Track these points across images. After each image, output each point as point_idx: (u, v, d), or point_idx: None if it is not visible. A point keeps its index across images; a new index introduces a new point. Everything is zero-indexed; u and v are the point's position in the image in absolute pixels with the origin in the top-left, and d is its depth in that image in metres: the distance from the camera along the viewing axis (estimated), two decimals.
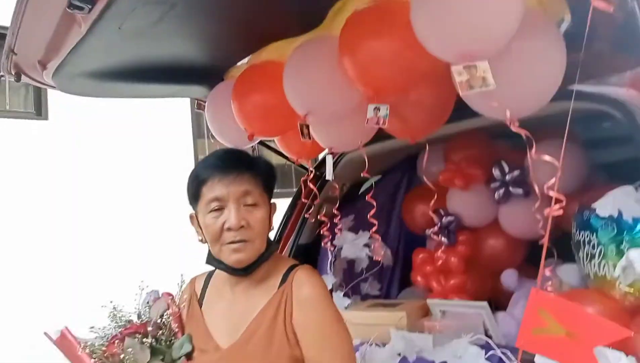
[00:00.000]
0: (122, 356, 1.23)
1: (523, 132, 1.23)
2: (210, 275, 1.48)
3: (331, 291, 2.55)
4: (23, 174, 5.39)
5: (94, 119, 5.85)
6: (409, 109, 1.71)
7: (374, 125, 1.56)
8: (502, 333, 2.07)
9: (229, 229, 1.27)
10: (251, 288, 1.35)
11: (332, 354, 1.26)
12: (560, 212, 1.13)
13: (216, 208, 1.29)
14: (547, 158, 1.16)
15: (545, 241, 1.14)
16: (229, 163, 1.33)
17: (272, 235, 2.59)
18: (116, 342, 1.25)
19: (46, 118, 5.76)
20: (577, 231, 1.67)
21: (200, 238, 1.37)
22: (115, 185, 5.95)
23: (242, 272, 1.33)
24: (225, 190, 1.28)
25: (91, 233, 5.65)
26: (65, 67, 1.80)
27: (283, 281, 1.33)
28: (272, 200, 1.41)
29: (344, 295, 2.55)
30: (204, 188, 1.31)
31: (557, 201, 1.12)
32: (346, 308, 2.43)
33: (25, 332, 3.72)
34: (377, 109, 1.54)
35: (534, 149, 1.20)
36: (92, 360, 1.24)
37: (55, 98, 5.67)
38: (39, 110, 5.77)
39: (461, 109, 1.58)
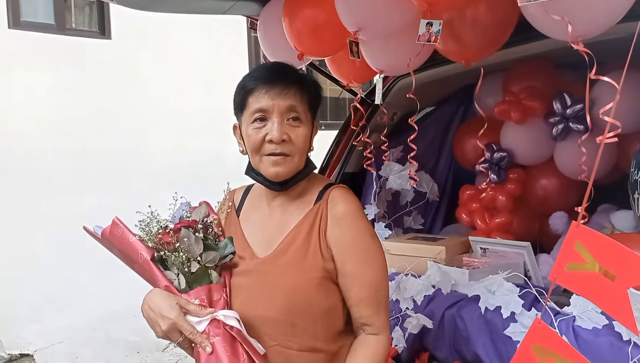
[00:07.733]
0: (177, 245, 1.24)
1: (583, 50, 1.10)
2: (248, 188, 1.49)
3: (373, 221, 2.53)
4: (86, 91, 5.56)
5: (155, 40, 5.92)
6: (464, 28, 1.60)
7: (425, 42, 1.47)
8: (542, 275, 2.01)
9: (270, 141, 1.27)
10: (287, 204, 1.37)
11: (368, 267, 1.30)
12: (615, 140, 1.03)
13: (260, 118, 1.29)
14: (605, 78, 1.04)
15: (592, 173, 1.06)
16: (277, 75, 1.30)
17: (319, 161, 2.59)
18: (170, 232, 1.26)
19: (109, 37, 5.88)
20: (636, 170, 1.55)
21: (241, 149, 1.38)
22: (174, 105, 6.07)
23: (279, 186, 1.33)
24: (271, 102, 1.27)
25: (150, 151, 5.84)
26: None
27: (319, 198, 1.34)
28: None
29: (386, 227, 2.52)
30: (250, 98, 1.29)
31: (613, 128, 1.02)
32: (386, 239, 2.42)
33: None
34: (429, 24, 1.44)
35: (593, 71, 1.08)
36: (150, 245, 1.24)
37: (118, 18, 5.74)
38: (102, 29, 5.89)
39: (522, 32, 1.46)
